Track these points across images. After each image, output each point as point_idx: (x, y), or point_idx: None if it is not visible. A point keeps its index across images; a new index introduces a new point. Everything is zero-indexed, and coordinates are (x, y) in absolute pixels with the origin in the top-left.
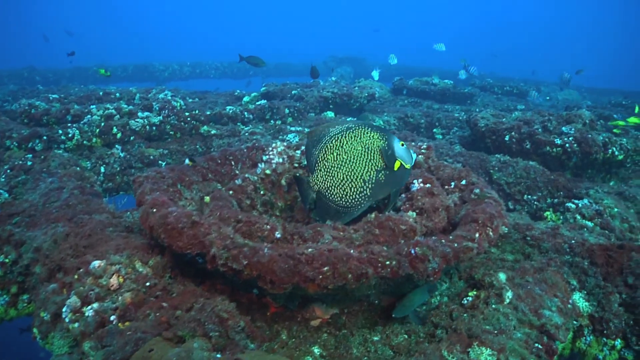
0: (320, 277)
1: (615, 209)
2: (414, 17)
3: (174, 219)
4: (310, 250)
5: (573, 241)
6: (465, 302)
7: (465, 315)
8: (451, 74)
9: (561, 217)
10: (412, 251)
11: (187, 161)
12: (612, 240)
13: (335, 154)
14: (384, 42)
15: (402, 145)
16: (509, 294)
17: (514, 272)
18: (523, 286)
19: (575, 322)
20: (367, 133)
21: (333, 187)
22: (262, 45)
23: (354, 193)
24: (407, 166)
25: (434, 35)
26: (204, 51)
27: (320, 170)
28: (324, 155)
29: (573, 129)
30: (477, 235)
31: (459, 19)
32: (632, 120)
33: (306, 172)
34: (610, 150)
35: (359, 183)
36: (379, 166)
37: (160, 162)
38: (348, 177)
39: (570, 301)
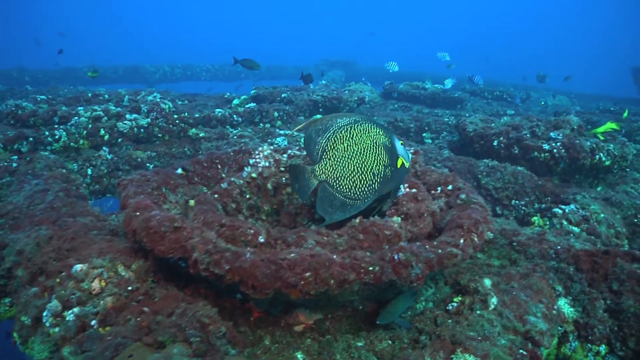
0: (302, 282)
1: (602, 215)
2: (409, 21)
3: (156, 222)
4: (292, 255)
5: (559, 247)
6: (450, 308)
7: (449, 321)
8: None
9: (548, 223)
10: (396, 257)
11: (179, 170)
12: (598, 246)
13: (345, 145)
14: (379, 45)
15: (402, 144)
16: (494, 300)
17: (500, 277)
18: (508, 292)
19: (560, 328)
20: (373, 128)
21: (342, 177)
22: (254, 47)
23: (364, 185)
24: (407, 164)
25: (430, 38)
26: (197, 53)
27: (330, 159)
28: (333, 144)
29: (561, 135)
30: (461, 241)
31: (454, 23)
32: (609, 125)
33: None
34: (597, 156)
35: (369, 176)
36: (385, 162)
37: (148, 164)
38: (359, 169)
39: (556, 307)
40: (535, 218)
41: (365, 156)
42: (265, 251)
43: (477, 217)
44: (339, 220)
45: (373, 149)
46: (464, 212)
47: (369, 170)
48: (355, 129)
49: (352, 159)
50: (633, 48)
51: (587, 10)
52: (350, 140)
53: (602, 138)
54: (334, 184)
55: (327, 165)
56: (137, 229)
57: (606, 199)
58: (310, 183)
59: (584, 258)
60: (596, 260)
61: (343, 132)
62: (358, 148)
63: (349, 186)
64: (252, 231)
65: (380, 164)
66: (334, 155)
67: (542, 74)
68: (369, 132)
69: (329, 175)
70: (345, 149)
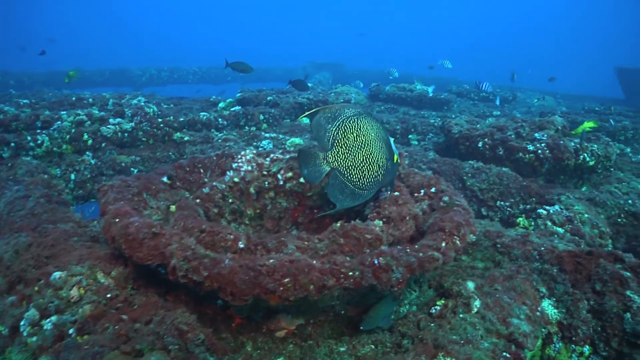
0: (281, 288)
1: (586, 215)
2: (400, 22)
3: (134, 229)
4: (271, 261)
5: (542, 248)
6: (434, 311)
7: (432, 325)
8: (435, 80)
9: (533, 224)
10: (376, 261)
11: (164, 179)
12: (582, 246)
13: (355, 134)
14: (370, 47)
15: (393, 141)
16: (477, 303)
17: (484, 280)
18: (491, 295)
19: (544, 329)
20: (375, 122)
21: (353, 167)
22: (244, 48)
23: (371, 176)
24: (399, 161)
25: (422, 39)
26: (186, 53)
27: (341, 147)
28: (344, 133)
29: (545, 135)
30: (443, 244)
31: (448, 24)
32: (587, 124)
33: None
34: (581, 157)
35: (375, 167)
36: (387, 155)
37: (132, 169)
38: (367, 159)
39: (539, 308)
40: (520, 219)
41: (372, 148)
42: (244, 257)
43: (460, 220)
44: (348, 207)
45: (378, 142)
46: (446, 215)
47: (376, 161)
48: (361, 121)
49: (362, 149)
50: (619, 48)
51: (576, 12)
52: (359, 131)
53: (588, 129)
54: (345, 172)
55: (340, 152)
56: (116, 235)
57: (590, 199)
58: (322, 169)
59: (567, 259)
60: (579, 261)
61: (351, 122)
62: (365, 139)
63: (359, 176)
64: (232, 237)
65: (383, 156)
66: (345, 144)
67: (514, 75)
68: (372, 125)
69: (340, 163)
70: (355, 139)
